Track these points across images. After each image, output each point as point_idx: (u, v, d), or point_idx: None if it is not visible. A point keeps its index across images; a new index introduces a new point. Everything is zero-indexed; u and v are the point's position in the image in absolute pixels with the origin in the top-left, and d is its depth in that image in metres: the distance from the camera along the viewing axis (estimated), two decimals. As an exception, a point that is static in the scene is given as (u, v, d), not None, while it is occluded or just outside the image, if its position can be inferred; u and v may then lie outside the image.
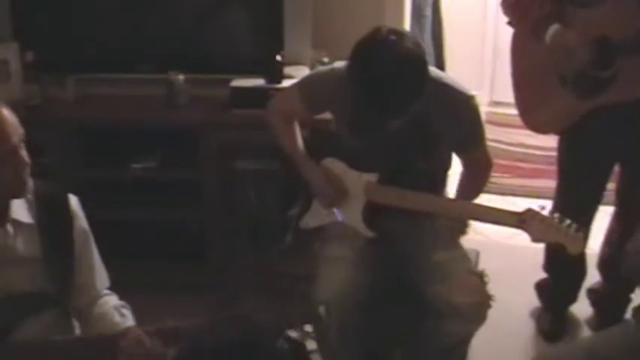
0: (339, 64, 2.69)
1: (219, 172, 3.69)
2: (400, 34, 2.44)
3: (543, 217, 2.41)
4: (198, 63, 3.81)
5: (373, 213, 2.76)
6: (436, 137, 2.70)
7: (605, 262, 3.53)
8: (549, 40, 2.91)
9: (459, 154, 2.82)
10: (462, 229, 2.76)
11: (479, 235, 3.89)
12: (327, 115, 2.92)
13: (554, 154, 3.34)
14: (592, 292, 3.63)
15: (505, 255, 4.02)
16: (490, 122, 5.87)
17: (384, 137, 2.62)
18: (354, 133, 2.72)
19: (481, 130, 2.76)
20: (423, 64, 2.46)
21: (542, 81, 3.08)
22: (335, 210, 2.84)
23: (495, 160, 5.24)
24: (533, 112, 3.20)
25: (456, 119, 2.66)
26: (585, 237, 2.53)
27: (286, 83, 3.53)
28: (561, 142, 3.26)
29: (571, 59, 2.90)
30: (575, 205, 3.16)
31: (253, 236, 3.73)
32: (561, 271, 3.52)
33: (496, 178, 5.00)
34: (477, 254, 3.04)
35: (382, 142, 2.65)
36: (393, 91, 2.40)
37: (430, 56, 5.99)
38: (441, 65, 5.88)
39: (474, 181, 2.82)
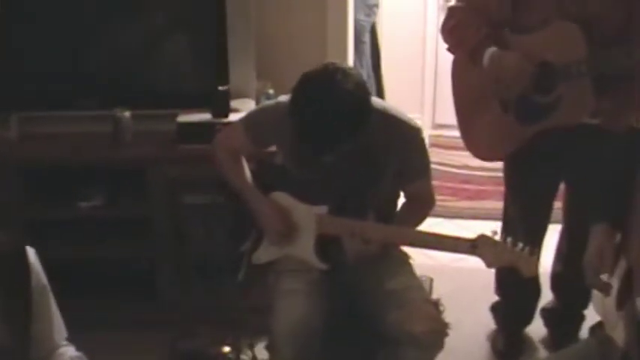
0: (284, 97, 2.70)
1: (168, 207, 3.65)
2: (347, 74, 2.48)
3: (495, 242, 2.45)
4: (143, 98, 3.75)
5: (325, 245, 2.76)
6: (383, 167, 2.72)
7: (557, 279, 3.54)
8: (487, 64, 2.92)
9: (403, 186, 2.85)
10: None
11: (428, 258, 3.83)
12: (274, 149, 2.94)
13: (499, 174, 3.36)
14: (545, 311, 3.63)
15: (455, 278, 4.02)
16: (434, 145, 5.89)
17: (330, 169, 2.64)
18: (299, 166, 2.74)
19: (427, 162, 2.81)
20: (364, 106, 2.50)
21: (483, 107, 3.10)
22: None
23: (441, 183, 5.33)
24: (476, 139, 3.21)
25: (403, 151, 2.70)
26: (537, 258, 2.54)
27: (233, 117, 3.52)
28: (507, 166, 3.28)
29: (512, 84, 2.91)
30: (525, 226, 3.19)
31: (204, 271, 3.69)
32: (514, 292, 3.51)
33: (442, 201, 4.99)
34: (431, 281, 3.04)
35: (329, 173, 2.67)
36: (330, 131, 2.45)
37: (370, 80, 6.05)
38: (380, 91, 5.94)
39: (413, 215, 2.84)
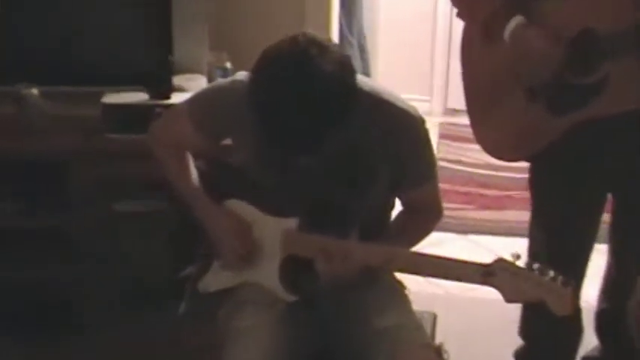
0: (243, 75, 2.67)
1: (93, 216, 3.67)
2: (323, 47, 2.43)
3: (517, 268, 2.39)
4: (60, 72, 3.77)
5: (295, 270, 2.73)
6: (372, 168, 2.70)
7: (604, 319, 3.51)
8: (509, 39, 2.88)
9: (400, 194, 2.83)
10: None
11: (431, 286, 3.89)
12: (229, 142, 2.89)
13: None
14: (588, 361, 3.60)
15: (467, 312, 4.04)
16: (445, 137, 5.89)
17: (302, 171, 2.62)
18: (262, 166, 2.71)
19: (431, 161, 2.77)
20: (349, 90, 2.46)
21: (502, 93, 3.06)
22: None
23: (452, 187, 5.33)
24: (492, 133, 3.17)
25: (399, 146, 2.67)
26: (576, 292, 2.50)
27: (176, 98, 3.49)
28: (533, 169, 3.23)
29: (541, 64, 2.86)
30: (558, 247, 3.16)
31: (141, 299, 3.71)
32: (545, 334, 3.45)
33: (453, 210, 5.02)
34: (434, 318, 3.03)
35: (301, 177, 2.64)
36: (304, 126, 2.41)
37: (364, 53, 6.06)
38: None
39: (412, 230, 2.83)
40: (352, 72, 2.48)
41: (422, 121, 2.71)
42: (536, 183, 3.26)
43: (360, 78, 2.60)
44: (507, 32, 2.89)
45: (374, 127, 2.62)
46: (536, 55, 2.87)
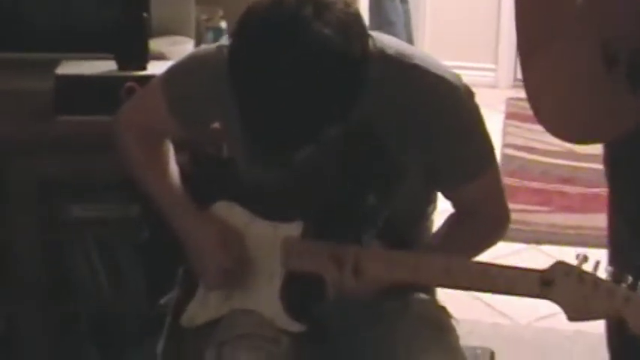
0: None
1: (39, 224, 3.66)
2: (320, 4, 2.41)
3: (583, 274, 2.36)
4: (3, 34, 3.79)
5: (301, 290, 2.75)
6: (398, 157, 2.68)
7: None
8: None
9: (445, 192, 2.81)
10: None
11: (494, 313, 3.92)
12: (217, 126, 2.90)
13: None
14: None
15: (538, 347, 4.01)
16: (513, 116, 5.87)
17: (306, 164, 2.60)
18: (254, 158, 2.69)
19: (483, 147, 2.75)
20: (356, 61, 2.44)
21: (569, 54, 3.04)
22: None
23: (523, 183, 5.32)
24: (553, 106, 3.14)
25: (435, 126, 2.65)
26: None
27: (155, 68, 3.48)
28: (609, 155, 3.21)
29: (631, 25, 2.85)
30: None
31: (102, 336, 3.71)
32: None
33: (523, 213, 5.03)
34: (492, 356, 3.04)
35: (304, 171, 2.65)
36: (287, 115, 2.40)
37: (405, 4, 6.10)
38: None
39: (465, 239, 2.80)
40: (361, 36, 2.46)
41: (468, 94, 2.69)
42: (613, 173, 3.25)
43: (382, 38, 2.63)
44: None
45: (399, 101, 2.61)
46: (628, 14, 2.86)
